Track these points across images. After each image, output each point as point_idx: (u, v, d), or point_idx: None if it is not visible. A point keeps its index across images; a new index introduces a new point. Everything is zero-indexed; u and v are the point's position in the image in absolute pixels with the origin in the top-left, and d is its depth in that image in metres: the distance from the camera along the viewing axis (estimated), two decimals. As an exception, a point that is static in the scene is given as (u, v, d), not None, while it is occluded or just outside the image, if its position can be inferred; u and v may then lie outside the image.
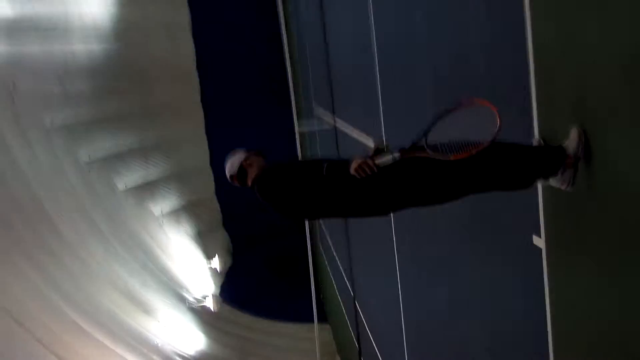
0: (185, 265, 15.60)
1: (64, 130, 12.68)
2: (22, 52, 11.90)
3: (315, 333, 17.20)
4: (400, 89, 6.50)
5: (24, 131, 11.53)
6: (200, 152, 16.36)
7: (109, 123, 13.95)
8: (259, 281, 17.59)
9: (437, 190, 3.08)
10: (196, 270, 15.93)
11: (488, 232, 4.50)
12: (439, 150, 2.91)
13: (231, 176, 3.57)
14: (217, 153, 16.33)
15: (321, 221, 17.00)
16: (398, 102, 6.62)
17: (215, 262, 16.16)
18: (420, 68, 5.67)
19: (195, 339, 15.32)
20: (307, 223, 17.72)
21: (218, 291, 16.32)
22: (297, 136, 17.31)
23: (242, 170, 3.50)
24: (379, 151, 3.00)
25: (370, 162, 2.97)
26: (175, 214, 15.54)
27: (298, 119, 17.60)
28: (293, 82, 17.60)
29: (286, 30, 17.30)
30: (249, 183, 3.48)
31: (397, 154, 2.97)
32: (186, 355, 14.83)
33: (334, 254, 14.97)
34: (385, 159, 2.97)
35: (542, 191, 3.35)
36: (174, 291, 15.06)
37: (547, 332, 3.48)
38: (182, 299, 15.19)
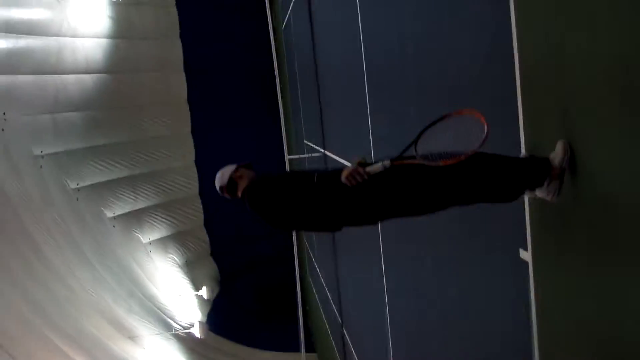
0: (171, 293, 15.61)
1: (54, 159, 12.91)
2: (13, 82, 12.19)
3: (302, 362, 17.20)
4: (389, 114, 6.64)
5: (13, 160, 11.70)
6: (189, 182, 16.53)
7: (99, 153, 14.20)
8: (246, 310, 17.63)
9: (425, 198, 3.12)
10: (183, 298, 15.93)
11: (475, 247, 4.54)
12: (428, 158, 2.96)
13: (221, 188, 3.59)
14: (206, 183, 16.53)
15: (310, 250, 17.10)
16: (386, 124, 6.76)
17: (203, 291, 16.19)
18: (408, 89, 5.78)
19: (180, 366, 15.30)
20: (295, 252, 17.80)
21: (205, 319, 16.31)
22: (286, 164, 17.50)
23: (232, 182, 3.53)
24: (362, 164, 3.06)
25: (361, 170, 3.03)
26: (163, 243, 15.64)
27: (288, 148, 17.87)
28: (284, 115, 17.90)
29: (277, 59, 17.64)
30: (239, 195, 3.52)
31: (387, 162, 3.02)
32: (172, 383, 14.82)
33: (323, 282, 15.05)
34: (376, 167, 3.03)
35: (529, 205, 3.42)
36: (160, 318, 15.08)
37: (532, 345, 3.52)
38: (167, 326, 15.19)
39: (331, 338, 14.51)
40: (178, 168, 16.27)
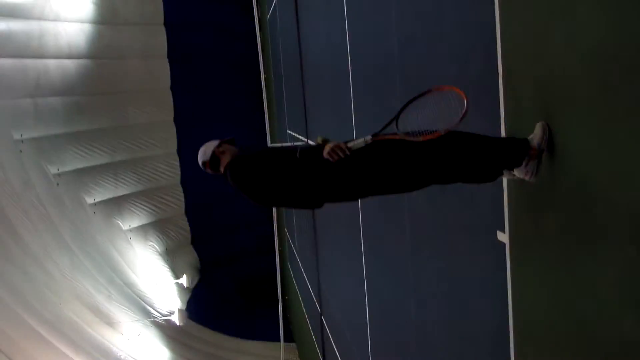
0: (151, 280, 15.59)
1: (34, 144, 12.82)
2: (-7, 65, 12.06)
3: (281, 352, 17.24)
4: (372, 102, 6.64)
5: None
6: (171, 170, 16.48)
7: (80, 139, 14.13)
8: (226, 299, 17.62)
9: (404, 173, 3.14)
10: (163, 286, 15.91)
11: (454, 229, 4.59)
12: (409, 134, 3.01)
13: (204, 163, 3.58)
14: (188, 172, 16.56)
15: (290, 240, 17.13)
16: (369, 112, 6.75)
17: (183, 279, 16.17)
18: (391, 77, 5.80)
19: (160, 354, 15.28)
20: (276, 241, 17.85)
21: (184, 306, 16.30)
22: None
23: (214, 157, 3.52)
24: (325, 141, 3.14)
25: (342, 145, 3.07)
26: (143, 230, 15.60)
27: (271, 137, 17.88)
28: (267, 104, 17.91)
29: (262, 53, 17.62)
30: (222, 170, 3.53)
31: (368, 137, 3.07)
32: (150, 370, 14.82)
33: (302, 272, 15.08)
34: (358, 142, 3.07)
35: (507, 187, 3.47)
36: (139, 305, 15.06)
37: (508, 327, 3.56)
38: (147, 313, 15.17)
39: (310, 327, 14.57)
40: (160, 156, 16.20)
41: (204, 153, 3.56)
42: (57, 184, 13.25)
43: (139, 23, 15.65)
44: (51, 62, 13.44)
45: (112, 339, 13.73)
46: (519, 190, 3.35)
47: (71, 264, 12.81)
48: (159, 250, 15.97)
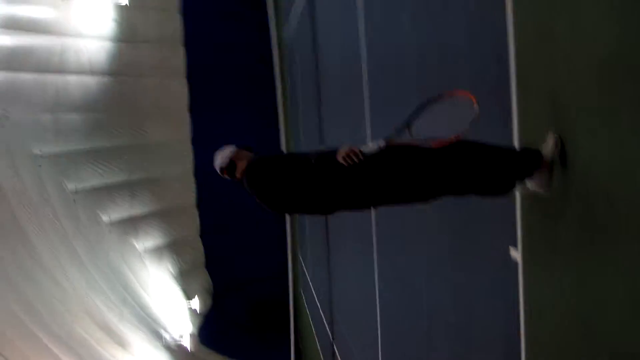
0: (164, 302, 15.38)
1: (53, 160, 12.75)
2: (15, 79, 12.15)
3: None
4: (387, 109, 6.66)
5: (12, 157, 11.57)
6: (187, 192, 16.37)
7: (98, 156, 14.04)
8: (238, 324, 17.38)
9: (417, 179, 3.15)
10: (175, 308, 15.69)
11: (467, 246, 4.56)
12: (421, 139, 3.06)
13: (221, 168, 3.59)
14: (203, 193, 16.46)
15: (304, 265, 16.94)
16: (384, 123, 6.75)
17: (195, 303, 15.96)
18: (407, 84, 5.84)
19: (170, 378, 15.03)
20: (289, 267, 17.67)
21: (196, 331, 16.05)
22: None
23: (231, 163, 3.53)
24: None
25: (356, 149, 3.11)
26: (157, 251, 15.43)
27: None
28: (284, 122, 17.89)
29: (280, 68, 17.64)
30: (238, 176, 3.53)
31: (382, 142, 3.11)
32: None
33: (315, 298, 14.88)
34: (371, 147, 3.12)
35: (520, 202, 3.45)
36: (151, 327, 14.84)
37: (520, 345, 3.52)
38: (158, 336, 14.93)
39: (321, 355, 14.31)
40: (176, 176, 16.11)
41: (220, 158, 3.58)
42: (74, 201, 13.11)
43: (158, 41, 15.66)
44: (72, 78, 13.42)
45: (123, 360, 13.51)
46: (531, 205, 3.35)
47: (84, 281, 12.65)
48: (172, 271, 15.78)
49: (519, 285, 3.50)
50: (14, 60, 12.01)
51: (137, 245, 14.89)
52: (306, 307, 17.40)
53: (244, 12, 17.75)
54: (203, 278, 16.90)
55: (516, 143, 3.43)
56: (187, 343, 15.25)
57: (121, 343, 13.56)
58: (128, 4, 14.39)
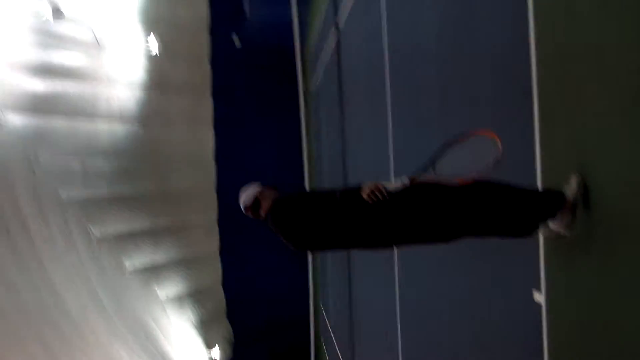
0: (184, 351, 15.21)
1: (79, 206, 12.81)
2: (47, 125, 12.27)
3: None
4: (410, 149, 6.72)
5: (40, 201, 11.63)
6: (210, 241, 16.41)
7: (124, 203, 14.08)
8: (258, 375, 17.15)
9: (439, 217, 3.15)
10: (195, 357, 15.51)
11: (489, 288, 4.54)
12: (445, 177, 3.11)
13: (245, 207, 3.62)
14: (226, 241, 16.53)
15: (325, 315, 16.75)
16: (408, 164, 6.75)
17: (216, 352, 15.78)
18: (430, 122, 5.93)
19: None
20: (311, 317, 17.45)
21: (216, 382, 15.85)
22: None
23: (256, 201, 3.56)
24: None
25: (380, 186, 3.15)
26: (179, 300, 15.36)
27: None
28: (309, 175, 17.90)
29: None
30: (262, 214, 3.56)
31: (406, 180, 3.15)
32: None
33: (337, 350, 14.67)
34: (395, 184, 3.16)
35: (544, 244, 3.46)
36: (172, 377, 14.64)
37: None
38: (179, 385, 14.74)
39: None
40: (200, 224, 16.18)
41: (245, 197, 3.62)
42: (100, 248, 13.12)
43: (187, 90, 15.89)
44: (102, 125, 13.57)
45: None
46: (554, 248, 3.36)
47: (106, 327, 12.56)
48: (193, 320, 15.66)
49: (543, 329, 3.47)
50: (46, 104, 12.17)
51: (159, 293, 14.83)
52: (327, 356, 17.18)
53: (273, 64, 18.06)
54: (224, 327, 16.78)
55: (539, 184, 3.46)
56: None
57: (142, 393, 13.39)
58: (158, 53, 14.61)
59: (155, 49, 14.51)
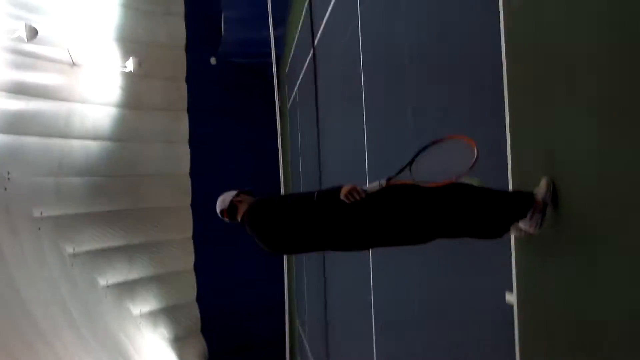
0: (158, 367, 15.23)
1: (52, 222, 12.85)
2: (20, 142, 12.33)
3: None
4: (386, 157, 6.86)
5: (12, 219, 11.67)
6: (185, 256, 16.44)
7: (98, 220, 14.16)
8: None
9: (414, 217, 3.23)
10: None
11: (462, 290, 4.63)
12: (422, 179, 3.17)
13: (222, 211, 3.68)
14: (202, 258, 16.62)
15: (302, 333, 16.80)
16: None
17: (190, 368, 15.80)
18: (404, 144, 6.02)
19: None
20: (287, 334, 17.48)
21: (190, 398, 15.85)
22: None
23: (232, 206, 3.64)
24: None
25: (358, 187, 3.22)
26: (153, 316, 15.38)
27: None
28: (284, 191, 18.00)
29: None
30: (239, 218, 3.63)
31: (383, 181, 3.21)
32: None
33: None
34: (373, 185, 3.23)
35: (515, 246, 3.56)
36: (144, 393, 14.63)
37: None
38: (151, 403, 14.73)
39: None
40: (175, 241, 16.21)
41: (222, 202, 3.68)
42: (72, 264, 13.17)
43: (163, 109, 16.03)
44: (75, 143, 13.68)
45: None
46: (525, 248, 3.45)
47: (79, 344, 12.54)
48: (167, 336, 15.68)
49: (515, 329, 3.55)
50: (19, 123, 12.25)
51: (133, 310, 14.86)
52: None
53: (250, 81, 18.25)
54: (199, 343, 16.78)
55: (510, 186, 3.55)
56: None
57: (114, 409, 13.36)
58: (134, 71, 14.74)
59: (130, 66, 14.63)
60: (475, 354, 4.40)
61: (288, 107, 18.76)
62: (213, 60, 17.70)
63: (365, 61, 7.75)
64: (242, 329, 17.23)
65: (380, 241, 3.44)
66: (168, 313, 15.86)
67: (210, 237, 16.22)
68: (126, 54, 14.85)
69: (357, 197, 3.20)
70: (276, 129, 17.78)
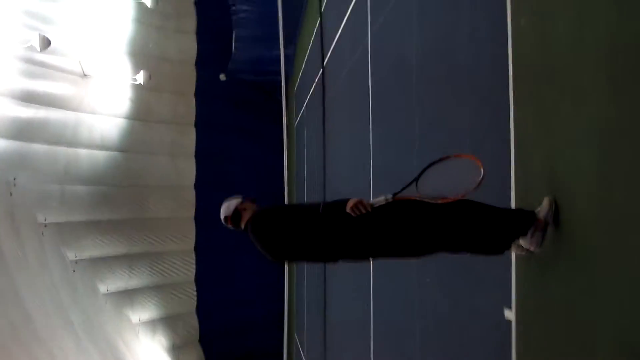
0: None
1: (56, 228, 13.09)
2: (28, 149, 12.59)
3: None
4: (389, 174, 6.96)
5: (16, 224, 11.89)
6: (186, 267, 16.62)
7: (101, 227, 14.38)
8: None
9: (417, 232, 3.29)
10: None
11: (462, 305, 4.70)
12: (427, 196, 3.22)
13: (225, 218, 3.71)
14: (203, 269, 16.80)
15: (300, 346, 16.84)
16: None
17: (187, 377, 15.92)
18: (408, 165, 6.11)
19: None
20: (285, 347, 17.53)
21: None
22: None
23: (236, 213, 3.66)
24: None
25: (365, 201, 3.28)
26: (152, 324, 15.55)
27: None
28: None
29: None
30: (242, 226, 3.66)
31: (389, 196, 3.26)
32: None
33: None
34: (379, 199, 3.28)
35: (515, 263, 3.62)
36: (141, 401, 14.74)
37: None
38: (147, 411, 14.84)
39: None
40: (177, 252, 16.40)
41: (227, 208, 3.70)
42: (74, 271, 13.38)
43: (170, 122, 16.31)
44: (82, 152, 13.96)
45: None
46: (526, 266, 3.49)
47: (77, 350, 12.70)
48: (165, 345, 15.82)
49: (512, 345, 3.59)
50: (27, 130, 12.53)
51: (132, 318, 15.03)
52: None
53: (258, 99, 18.51)
54: (196, 353, 16.89)
55: (513, 204, 3.60)
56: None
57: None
58: (144, 84, 15.04)
59: (140, 79, 14.93)
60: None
61: (295, 125, 18.98)
62: (222, 77, 17.96)
63: (374, 80, 7.91)
64: (240, 340, 17.34)
65: (383, 252, 3.48)
66: (167, 322, 16.03)
67: (212, 249, 16.47)
68: (137, 67, 15.17)
69: (363, 211, 3.26)
70: (282, 145, 17.98)
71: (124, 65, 15.08)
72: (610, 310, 2.66)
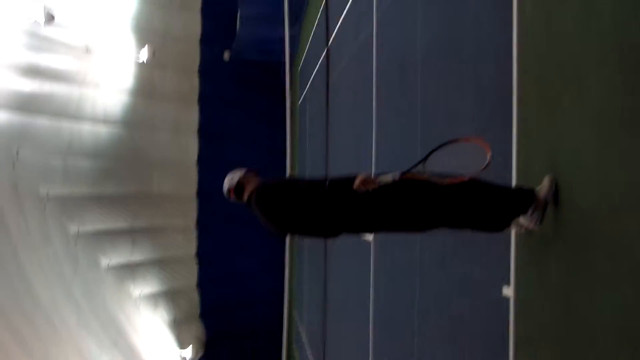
0: (156, 349, 15.56)
1: (58, 201, 13.28)
2: (31, 123, 12.76)
3: None
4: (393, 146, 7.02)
5: (19, 196, 12.07)
6: (188, 242, 16.78)
7: (103, 202, 14.56)
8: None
9: (421, 208, 3.31)
10: (166, 356, 15.85)
11: (461, 283, 4.74)
12: (435, 175, 3.22)
13: (229, 190, 3.66)
14: (204, 245, 16.96)
15: (299, 322, 17.02)
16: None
17: (187, 352, 16.12)
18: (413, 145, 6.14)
19: None
20: (285, 322, 17.71)
21: (186, 380, 16.19)
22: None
23: (239, 185, 3.61)
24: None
25: (373, 178, 3.25)
26: (153, 298, 15.73)
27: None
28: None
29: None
30: (245, 198, 3.61)
31: (397, 174, 3.23)
32: None
33: (308, 354, 14.93)
34: (386, 177, 3.24)
35: (515, 241, 3.67)
36: (141, 372, 14.99)
37: None
38: (147, 382, 15.09)
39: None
40: (179, 227, 16.56)
41: (230, 180, 3.66)
42: (76, 243, 13.56)
43: (174, 98, 16.39)
44: (86, 126, 14.09)
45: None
46: (525, 244, 3.55)
47: (78, 321, 12.94)
48: (166, 319, 16.03)
49: (510, 322, 3.66)
50: (31, 103, 12.70)
51: (133, 291, 15.22)
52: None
53: (262, 78, 18.57)
54: (196, 327, 17.09)
55: (514, 182, 3.65)
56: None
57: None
58: (148, 61, 15.12)
59: (144, 56, 15.01)
60: (470, 344, 4.50)
61: (298, 104, 19.03)
62: (226, 55, 17.98)
63: (378, 62, 7.92)
64: (240, 316, 17.55)
65: (387, 227, 3.50)
66: (168, 296, 16.21)
67: (213, 225, 16.63)
68: (141, 43, 15.25)
69: (370, 188, 3.24)
70: (285, 124, 18.04)
71: (128, 41, 15.15)
72: (607, 289, 2.71)
